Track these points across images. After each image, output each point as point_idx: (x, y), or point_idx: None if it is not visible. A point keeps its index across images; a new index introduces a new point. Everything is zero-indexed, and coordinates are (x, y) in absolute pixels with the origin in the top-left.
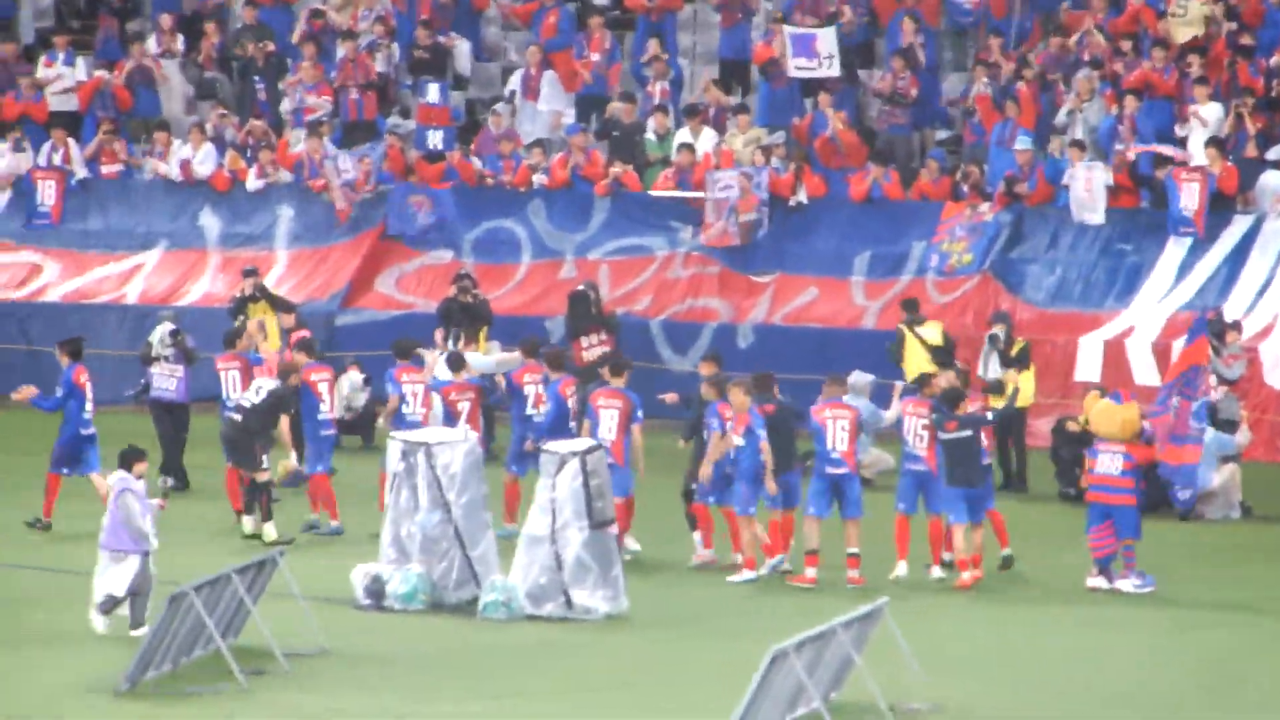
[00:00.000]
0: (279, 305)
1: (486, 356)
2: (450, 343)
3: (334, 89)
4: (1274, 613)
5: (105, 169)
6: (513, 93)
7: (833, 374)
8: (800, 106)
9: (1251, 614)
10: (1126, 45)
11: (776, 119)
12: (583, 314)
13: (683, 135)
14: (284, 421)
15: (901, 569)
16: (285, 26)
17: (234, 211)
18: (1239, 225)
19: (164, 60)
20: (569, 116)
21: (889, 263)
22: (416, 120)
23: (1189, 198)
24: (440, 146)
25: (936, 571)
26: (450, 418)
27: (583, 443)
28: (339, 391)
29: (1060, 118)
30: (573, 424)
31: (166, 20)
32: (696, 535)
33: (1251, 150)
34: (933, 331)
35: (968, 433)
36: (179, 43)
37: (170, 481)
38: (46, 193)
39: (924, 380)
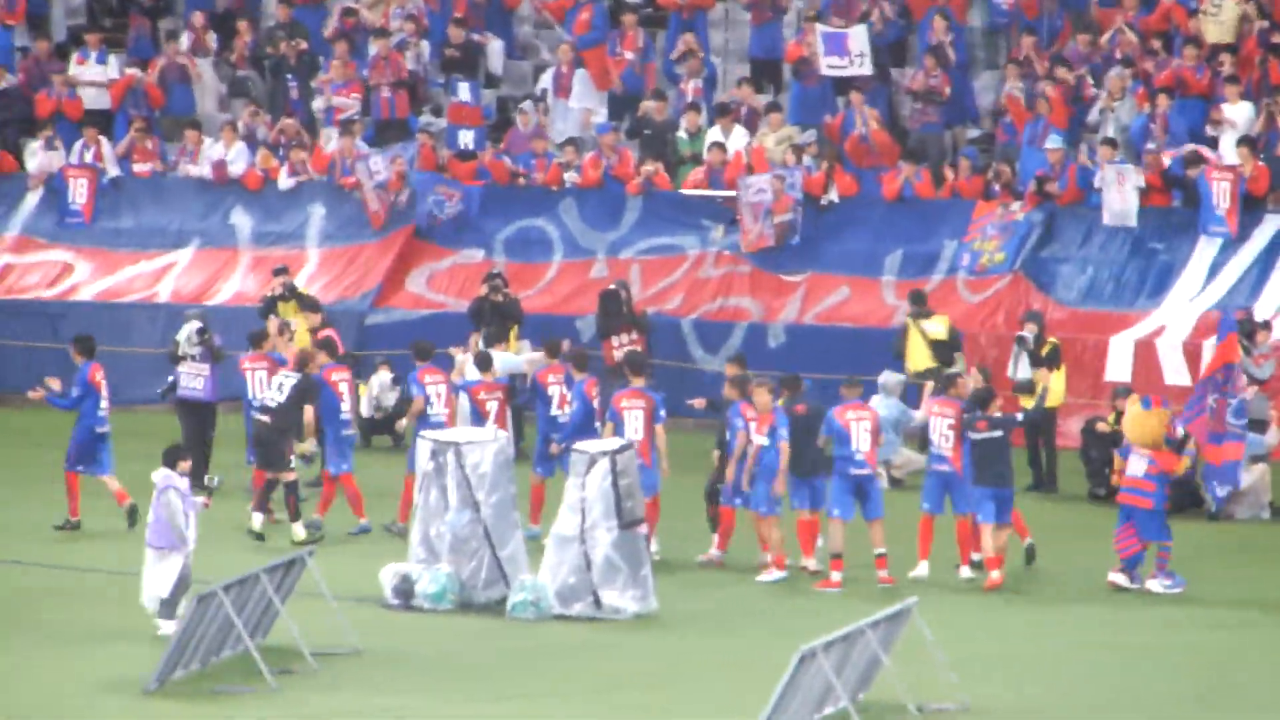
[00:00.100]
0: (305, 304)
1: (517, 356)
2: (481, 343)
3: (365, 87)
4: None
5: (137, 167)
6: (543, 91)
7: (850, 376)
8: (832, 105)
9: None
10: (1158, 44)
11: (808, 118)
12: (614, 313)
13: (714, 134)
14: (308, 412)
15: (922, 569)
16: (317, 24)
17: (265, 210)
18: (1270, 225)
19: (196, 58)
20: (600, 115)
21: (920, 262)
22: (448, 119)
23: (1220, 197)
24: (471, 145)
25: (965, 572)
26: (479, 417)
27: (613, 442)
28: (369, 391)
29: (1092, 116)
30: (597, 424)
31: (199, 18)
32: (716, 538)
33: None
34: (938, 325)
35: (998, 433)
36: (212, 41)
37: (219, 479)
38: (78, 191)
39: (950, 380)
